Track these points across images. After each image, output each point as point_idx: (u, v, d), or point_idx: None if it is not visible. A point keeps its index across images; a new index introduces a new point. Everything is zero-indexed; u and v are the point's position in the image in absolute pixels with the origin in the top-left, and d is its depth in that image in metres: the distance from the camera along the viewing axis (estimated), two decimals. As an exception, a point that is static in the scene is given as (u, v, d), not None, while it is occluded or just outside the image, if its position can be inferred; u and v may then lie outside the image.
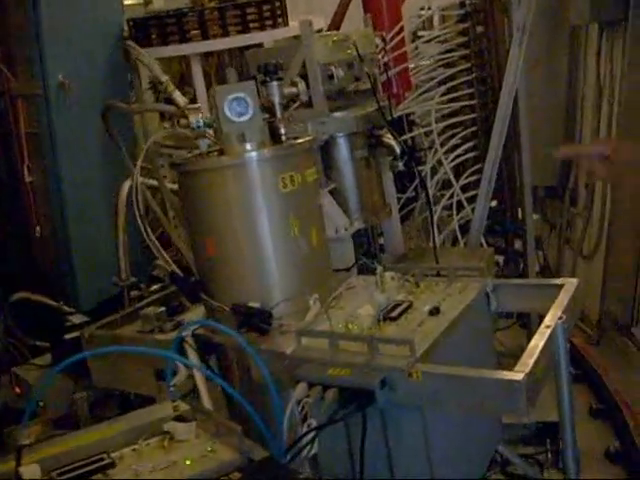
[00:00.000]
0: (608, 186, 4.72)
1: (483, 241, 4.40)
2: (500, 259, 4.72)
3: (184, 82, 4.85)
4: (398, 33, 4.20)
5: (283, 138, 2.91)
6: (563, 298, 2.75)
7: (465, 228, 4.53)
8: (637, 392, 4.20)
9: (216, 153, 2.90)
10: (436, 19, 4.67)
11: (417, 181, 4.24)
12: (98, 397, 3.38)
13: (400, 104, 4.28)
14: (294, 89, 2.95)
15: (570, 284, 2.86)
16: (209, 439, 2.23)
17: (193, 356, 2.87)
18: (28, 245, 4.45)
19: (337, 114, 3.71)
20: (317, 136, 3.58)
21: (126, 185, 3.50)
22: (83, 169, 4.43)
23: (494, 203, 4.65)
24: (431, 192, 4.39)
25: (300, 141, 2.90)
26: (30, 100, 4.28)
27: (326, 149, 3.75)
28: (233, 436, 2.16)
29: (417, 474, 2.59)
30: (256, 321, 2.79)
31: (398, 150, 3.80)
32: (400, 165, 3.87)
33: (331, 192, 3.74)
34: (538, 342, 2.46)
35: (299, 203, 2.86)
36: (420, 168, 4.38)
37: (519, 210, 4.52)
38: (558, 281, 2.95)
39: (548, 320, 2.59)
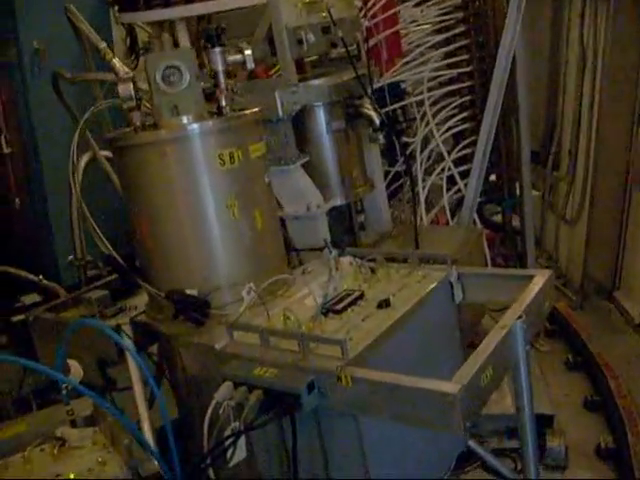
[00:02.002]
0: (592, 150, 4.44)
1: (477, 218, 3.99)
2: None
3: (176, 49, 4.52)
4: (386, -6, 3.78)
5: (225, 111, 2.57)
6: (528, 293, 2.37)
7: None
8: (619, 354, 4.00)
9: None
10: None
11: (402, 155, 3.83)
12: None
13: (389, 71, 3.88)
14: (239, 56, 2.59)
15: (541, 276, 2.48)
16: (105, 447, 1.96)
17: (130, 346, 2.59)
18: (8, 217, 4.23)
19: (310, 82, 3.35)
20: (287, 106, 3.27)
21: (84, 158, 3.21)
22: (61, 139, 4.14)
23: (493, 177, 4.23)
24: (423, 166, 4.00)
25: (241, 114, 2.56)
26: (5, 69, 4.02)
27: (300, 120, 3.40)
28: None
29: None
30: (191, 311, 2.50)
31: (377, 121, 3.42)
32: (381, 137, 3.49)
33: (305, 166, 3.40)
34: (488, 345, 2.10)
35: (240, 182, 2.53)
36: (411, 140, 3.99)
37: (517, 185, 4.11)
38: (529, 272, 2.58)
39: (505, 319, 2.23)
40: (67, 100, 3.11)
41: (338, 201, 3.54)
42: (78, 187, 3.11)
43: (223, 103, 2.55)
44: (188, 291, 2.53)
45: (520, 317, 2.21)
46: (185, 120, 2.48)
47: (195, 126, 2.45)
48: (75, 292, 3.11)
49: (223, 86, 2.57)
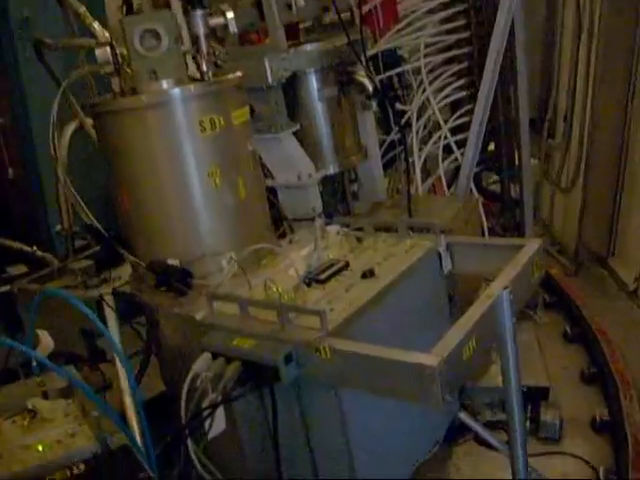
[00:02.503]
0: (587, 117, 4.36)
1: (474, 187, 3.89)
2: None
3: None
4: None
5: (207, 76, 2.47)
6: (516, 263, 2.29)
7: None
8: (613, 320, 3.94)
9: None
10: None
11: (396, 123, 3.73)
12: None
13: (384, 37, 3.76)
14: (221, 19, 2.49)
15: (530, 245, 2.40)
16: (77, 419, 1.90)
17: (111, 317, 2.54)
18: (2, 188, 4.17)
19: (301, 48, 3.25)
20: (277, 73, 3.16)
21: (70, 127, 3.13)
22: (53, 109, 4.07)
23: (492, 146, 4.11)
24: (419, 134, 3.89)
25: (222, 79, 2.47)
26: (-5, 39, 3.93)
27: (291, 87, 3.30)
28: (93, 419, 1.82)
29: (335, 457, 2.23)
30: (173, 281, 2.43)
31: (370, 88, 3.32)
32: (374, 105, 3.39)
33: (296, 134, 3.30)
34: (471, 317, 2.03)
35: (222, 149, 2.45)
36: (407, 108, 3.87)
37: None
38: (519, 241, 2.49)
39: (491, 289, 2.15)
40: (52, 67, 3.03)
41: (331, 170, 3.45)
42: (63, 154, 3.05)
43: (204, 68, 2.46)
44: (170, 261, 2.46)
45: (506, 287, 2.13)
46: (164, 85, 2.39)
47: (174, 91, 2.36)
48: (61, 263, 3.05)
49: (205, 50, 2.48)
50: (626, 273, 4.42)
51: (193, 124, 2.36)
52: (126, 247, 2.60)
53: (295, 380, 2.09)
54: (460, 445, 3.35)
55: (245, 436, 2.39)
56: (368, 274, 2.34)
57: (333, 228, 2.67)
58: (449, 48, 3.95)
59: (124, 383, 2.43)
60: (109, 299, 2.56)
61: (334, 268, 2.41)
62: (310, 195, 3.30)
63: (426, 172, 4.05)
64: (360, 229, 2.68)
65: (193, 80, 2.46)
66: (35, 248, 3.90)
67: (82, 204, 2.61)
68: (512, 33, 3.68)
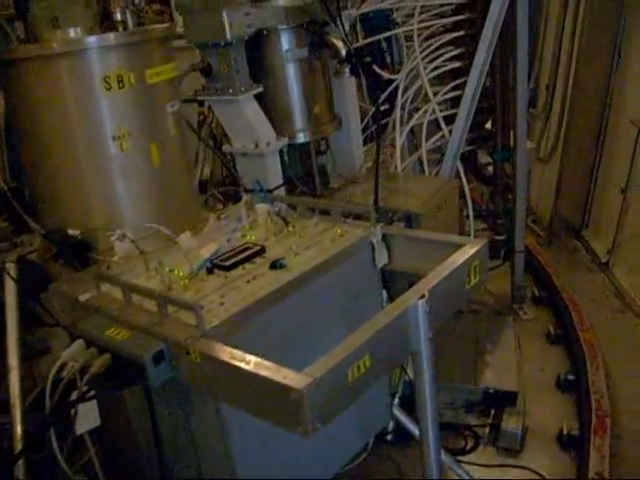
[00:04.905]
0: (568, 91, 4.20)
1: (461, 170, 3.44)
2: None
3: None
4: None
5: (126, 26, 2.12)
6: (446, 266, 1.90)
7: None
8: (584, 291, 3.90)
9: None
10: None
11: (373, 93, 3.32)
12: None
13: (369, -3, 3.33)
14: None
15: (471, 246, 2.00)
16: None
17: (9, 287, 2.26)
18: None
19: (265, 3, 2.86)
20: (237, 29, 2.78)
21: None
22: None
23: (488, 125, 3.65)
24: (406, 107, 3.46)
25: (135, 30, 2.12)
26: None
27: (255, 44, 2.91)
28: None
29: (218, 464, 1.92)
30: (68, 254, 2.13)
31: (343, 52, 2.92)
32: (347, 70, 2.99)
33: (260, 98, 2.93)
34: (368, 329, 1.67)
35: (131, 111, 2.11)
36: (394, 77, 3.44)
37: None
38: (459, 240, 2.10)
39: (405, 297, 1.78)
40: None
41: (301, 138, 3.07)
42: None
43: (118, 17, 2.10)
44: (70, 231, 2.16)
45: (423, 297, 1.76)
46: (70, 34, 2.06)
47: (76, 42, 2.02)
48: None
49: (120, -4, 2.12)
50: (599, 245, 4.33)
51: (96, 81, 2.03)
52: (33, 211, 2.31)
53: (171, 380, 1.78)
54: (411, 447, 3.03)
55: (137, 430, 2.11)
56: (278, 265, 1.99)
57: (262, 207, 2.32)
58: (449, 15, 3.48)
59: (12, 360, 2.17)
60: (12, 267, 2.27)
61: (247, 253, 2.07)
62: (268, 165, 2.94)
63: (413, 148, 3.64)
64: (294, 208, 2.33)
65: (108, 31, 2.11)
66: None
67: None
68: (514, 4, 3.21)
